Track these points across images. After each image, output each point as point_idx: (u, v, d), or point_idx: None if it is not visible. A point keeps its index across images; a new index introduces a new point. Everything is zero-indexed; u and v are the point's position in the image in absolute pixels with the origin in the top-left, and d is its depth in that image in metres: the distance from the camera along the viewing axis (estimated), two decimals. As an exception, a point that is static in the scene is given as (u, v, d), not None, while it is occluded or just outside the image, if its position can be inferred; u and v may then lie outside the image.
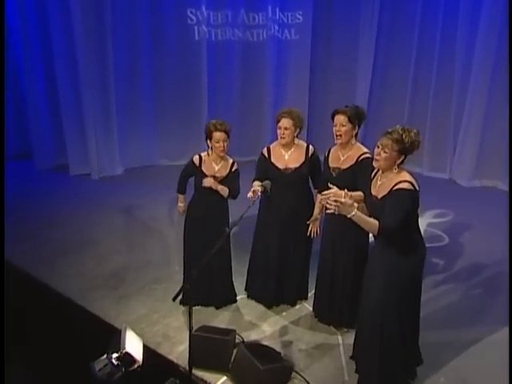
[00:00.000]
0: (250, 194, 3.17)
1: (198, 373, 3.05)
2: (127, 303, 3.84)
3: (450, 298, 3.93)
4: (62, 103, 6.59)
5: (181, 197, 3.70)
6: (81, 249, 4.73)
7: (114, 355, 3.03)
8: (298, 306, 3.77)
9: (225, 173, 3.52)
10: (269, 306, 3.74)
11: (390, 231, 2.50)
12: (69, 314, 3.63)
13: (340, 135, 3.20)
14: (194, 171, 3.53)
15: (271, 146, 3.58)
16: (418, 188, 2.61)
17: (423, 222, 5.43)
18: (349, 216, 2.46)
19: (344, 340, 3.36)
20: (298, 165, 3.47)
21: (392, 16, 6.85)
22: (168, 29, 6.67)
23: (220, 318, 3.64)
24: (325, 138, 7.36)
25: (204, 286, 3.68)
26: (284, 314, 3.72)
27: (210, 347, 3.07)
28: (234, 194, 3.62)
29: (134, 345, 3.09)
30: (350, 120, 3.17)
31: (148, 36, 6.61)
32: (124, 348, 2.98)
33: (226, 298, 3.78)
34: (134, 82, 6.76)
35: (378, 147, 2.62)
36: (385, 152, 2.60)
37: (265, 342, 3.34)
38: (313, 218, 3.39)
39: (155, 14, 6.56)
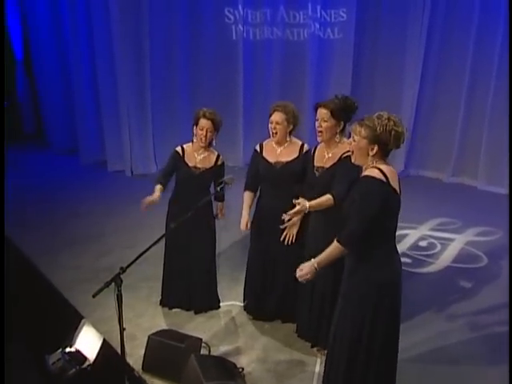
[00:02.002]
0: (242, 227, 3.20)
1: (151, 379, 2.82)
2: (109, 298, 3.72)
3: (464, 332, 3.33)
4: (102, 102, 6.81)
5: (157, 187, 3.27)
6: (88, 241, 4.75)
7: (67, 350, 2.93)
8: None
9: (208, 165, 3.30)
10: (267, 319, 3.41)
11: (347, 244, 2.21)
12: (48, 302, 3.59)
13: (321, 132, 2.84)
14: (178, 162, 3.32)
15: (264, 142, 3.32)
16: (384, 179, 2.15)
17: (462, 239, 4.80)
18: (306, 211, 2.38)
19: (322, 363, 2.93)
20: (289, 159, 3.16)
21: (446, 12, 6.21)
22: (205, 28, 6.61)
23: (193, 324, 3.39)
24: None
25: (183, 287, 3.47)
26: (266, 326, 3.37)
27: (164, 353, 2.84)
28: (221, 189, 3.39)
29: (88, 342, 2.96)
30: (332, 115, 2.81)
31: (185, 35, 6.60)
32: (75, 344, 2.87)
33: (206, 304, 3.53)
34: (170, 81, 6.79)
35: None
36: (354, 140, 2.22)
37: (233, 356, 3.03)
38: (290, 222, 3.02)
39: (193, 13, 6.53)
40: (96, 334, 2.99)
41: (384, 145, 2.17)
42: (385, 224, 2.21)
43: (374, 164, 2.19)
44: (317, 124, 2.89)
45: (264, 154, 3.24)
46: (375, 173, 2.16)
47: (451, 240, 4.81)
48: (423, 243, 4.79)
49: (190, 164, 3.28)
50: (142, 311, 3.54)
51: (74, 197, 5.93)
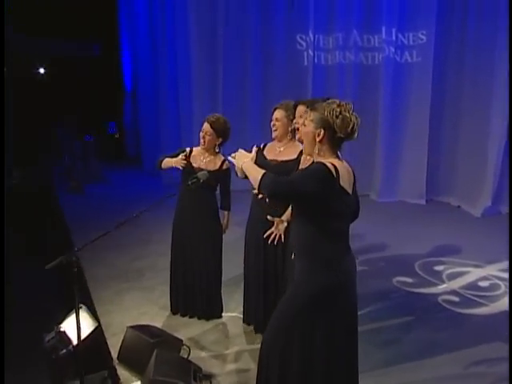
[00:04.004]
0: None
1: (122, 370, 2.81)
2: (124, 295, 3.87)
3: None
4: (181, 129, 7.36)
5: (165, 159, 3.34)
6: (132, 245, 5.02)
7: (59, 329, 3.08)
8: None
9: (212, 168, 3.29)
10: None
11: (264, 187, 1.92)
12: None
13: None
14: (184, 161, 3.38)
15: (270, 142, 3.24)
16: (334, 175, 1.92)
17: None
18: (241, 165, 2.09)
19: None
20: (285, 159, 3.01)
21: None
22: (277, 54, 6.80)
23: (188, 328, 3.28)
24: (450, 180, 6.31)
25: (187, 293, 3.43)
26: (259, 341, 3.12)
27: (136, 346, 2.81)
28: (226, 196, 3.38)
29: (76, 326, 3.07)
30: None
31: (258, 61, 6.86)
32: (61, 326, 3.00)
33: (209, 312, 3.41)
34: (241, 107, 7.05)
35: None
36: (303, 124, 2.04)
37: (209, 363, 2.87)
38: (278, 220, 2.80)
39: (265, 40, 6.78)
40: (90, 321, 3.10)
41: (331, 130, 1.95)
42: (331, 224, 1.98)
43: (323, 155, 1.98)
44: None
45: (264, 152, 3.14)
46: (328, 163, 1.94)
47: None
48: (484, 283, 4.05)
49: (194, 165, 3.31)
50: (146, 311, 3.57)
51: (139, 208, 6.37)
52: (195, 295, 3.40)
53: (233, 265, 3.53)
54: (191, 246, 3.36)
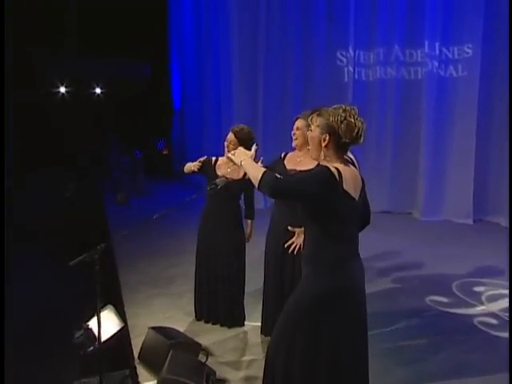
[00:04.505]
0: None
1: (141, 369, 2.88)
2: (153, 300, 3.97)
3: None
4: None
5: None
6: (170, 254, 5.17)
7: (87, 327, 3.22)
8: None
9: (236, 177, 3.35)
10: None
11: (264, 185, 1.92)
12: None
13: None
14: (207, 168, 3.46)
15: (290, 152, 3.26)
16: (337, 178, 1.91)
17: None
18: (240, 162, 2.10)
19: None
20: (305, 168, 3.00)
21: None
22: (317, 71, 6.83)
23: (209, 334, 3.30)
24: (500, 200, 5.98)
25: (210, 301, 3.47)
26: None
27: (155, 347, 2.87)
28: (249, 205, 3.41)
29: (104, 324, 3.20)
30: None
31: (298, 78, 6.92)
32: (89, 324, 3.14)
33: (230, 320, 3.43)
34: (282, 122, 7.08)
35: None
36: (310, 130, 2.06)
37: (224, 369, 2.87)
38: (298, 230, 2.78)
39: (306, 56, 6.85)
40: (115, 322, 3.22)
41: (336, 135, 1.95)
42: (334, 227, 1.97)
43: (329, 160, 1.99)
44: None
45: (285, 161, 3.16)
46: (332, 167, 1.94)
47: None
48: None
49: (218, 173, 3.38)
50: (172, 315, 3.64)
51: (178, 219, 6.54)
52: (218, 303, 3.44)
53: (261, 275, 3.55)
54: (214, 254, 3.42)
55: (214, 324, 3.47)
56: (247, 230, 3.48)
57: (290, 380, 2.00)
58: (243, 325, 3.45)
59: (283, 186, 1.93)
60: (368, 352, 2.11)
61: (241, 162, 2.08)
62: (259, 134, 7.06)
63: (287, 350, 1.99)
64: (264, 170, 1.98)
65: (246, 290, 3.50)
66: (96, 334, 3.04)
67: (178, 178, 9.84)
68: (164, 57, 9.83)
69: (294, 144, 3.11)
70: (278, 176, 1.97)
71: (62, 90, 9.90)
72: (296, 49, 6.85)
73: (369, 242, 5.71)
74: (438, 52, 6.18)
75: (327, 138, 1.97)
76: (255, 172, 1.98)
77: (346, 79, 6.71)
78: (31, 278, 4.47)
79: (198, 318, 3.55)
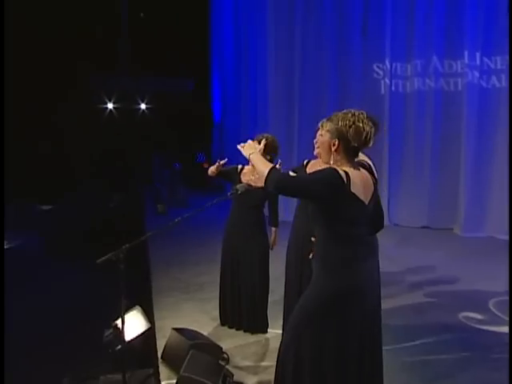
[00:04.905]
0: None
1: (164, 368, 2.96)
2: (182, 304, 4.07)
3: None
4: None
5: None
6: (202, 263, 5.27)
7: (116, 325, 3.35)
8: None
9: (261, 185, 3.39)
10: None
11: (271, 180, 1.96)
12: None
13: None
14: (233, 175, 3.54)
15: (313, 159, 3.28)
16: (345, 181, 1.92)
17: None
18: (248, 155, 2.12)
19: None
20: None
21: None
22: (353, 84, 6.81)
23: (232, 339, 3.34)
24: None
25: (234, 306, 3.52)
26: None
27: (177, 347, 2.94)
28: (273, 212, 3.45)
29: (132, 324, 3.32)
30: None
31: (334, 91, 6.93)
32: (117, 323, 3.26)
33: (253, 326, 3.45)
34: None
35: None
36: (321, 134, 2.10)
37: (243, 373, 2.89)
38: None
39: (342, 69, 6.86)
40: (143, 322, 3.33)
41: (345, 140, 1.97)
42: (341, 228, 1.98)
43: (340, 164, 2.01)
44: None
45: (307, 168, 3.18)
46: (340, 170, 1.97)
47: None
48: None
49: (243, 181, 3.44)
50: (198, 319, 3.71)
51: (211, 230, 6.67)
52: (241, 309, 3.47)
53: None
54: (238, 262, 3.48)
55: (237, 329, 3.51)
56: (271, 238, 3.51)
57: (299, 379, 2.00)
58: (266, 332, 3.46)
59: (289, 183, 1.97)
60: (380, 355, 2.09)
61: (249, 155, 2.11)
62: (295, 147, 7.13)
63: (297, 348, 2.00)
64: (271, 165, 2.01)
65: (272, 298, 3.52)
66: (123, 333, 3.17)
67: (218, 190, 10.04)
68: (205, 72, 10.15)
69: (315, 152, 3.13)
70: (292, 173, 2.00)
71: (110, 105, 10.44)
72: (332, 62, 6.88)
73: (404, 256, 5.59)
74: (478, 62, 6.01)
75: (337, 142, 2.00)
76: (262, 166, 2.01)
77: (382, 91, 6.65)
78: (74, 281, 4.71)
79: (223, 323, 3.60)
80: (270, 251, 3.54)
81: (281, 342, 2.14)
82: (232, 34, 8.88)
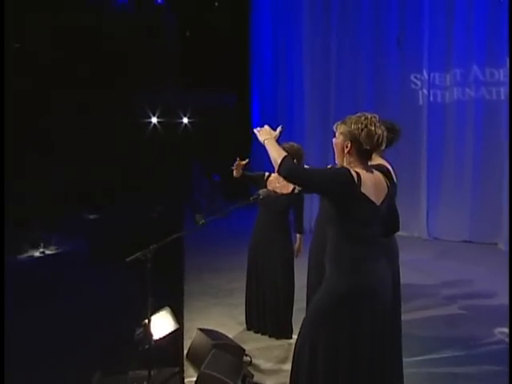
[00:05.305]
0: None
1: (188, 367, 3.06)
2: (211, 308, 4.17)
3: None
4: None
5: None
6: (235, 270, 5.33)
7: (145, 324, 3.49)
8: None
9: (286, 191, 3.47)
10: None
11: (284, 168, 1.99)
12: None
13: None
14: (260, 181, 3.62)
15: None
16: (356, 181, 1.96)
17: None
18: (263, 140, 2.16)
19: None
20: None
21: None
22: (390, 95, 6.75)
23: (256, 342, 3.40)
24: None
25: (259, 311, 3.57)
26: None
27: (200, 347, 3.03)
28: (298, 219, 3.50)
29: (161, 324, 3.45)
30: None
31: (370, 103, 6.88)
32: (146, 321, 3.40)
33: (278, 331, 3.48)
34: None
35: None
36: (335, 136, 2.15)
37: (265, 375, 2.93)
38: None
39: (378, 80, 6.81)
40: (171, 323, 3.45)
41: (357, 142, 2.02)
42: (351, 228, 2.01)
43: (353, 166, 2.05)
44: None
45: None
46: (352, 170, 2.01)
47: None
48: None
49: (269, 187, 3.52)
50: (225, 323, 3.79)
51: (245, 239, 6.77)
52: (266, 314, 3.53)
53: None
54: (262, 267, 3.55)
55: (263, 334, 3.56)
56: (296, 245, 3.55)
57: (314, 377, 2.03)
58: (291, 337, 3.48)
59: (300, 174, 2.02)
60: (397, 358, 2.08)
61: (264, 141, 2.14)
62: (330, 159, 7.09)
63: (311, 347, 2.03)
64: (286, 154, 2.04)
65: (298, 305, 3.51)
66: (152, 331, 3.31)
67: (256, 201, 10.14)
68: (246, 86, 10.39)
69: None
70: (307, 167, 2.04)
71: (154, 120, 10.88)
72: (368, 74, 6.87)
73: (442, 270, 5.44)
74: (522, 70, 5.81)
75: (349, 144, 2.04)
76: (276, 154, 2.05)
77: (420, 102, 6.55)
78: (114, 282, 4.95)
79: (249, 327, 3.66)
80: (297, 259, 3.58)
81: (298, 335, 2.17)
82: (271, 48, 9.06)
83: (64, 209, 8.05)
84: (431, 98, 6.45)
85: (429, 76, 6.42)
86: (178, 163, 10.31)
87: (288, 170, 1.98)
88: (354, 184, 1.95)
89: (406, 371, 2.77)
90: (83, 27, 8.41)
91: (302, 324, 2.14)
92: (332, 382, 2.00)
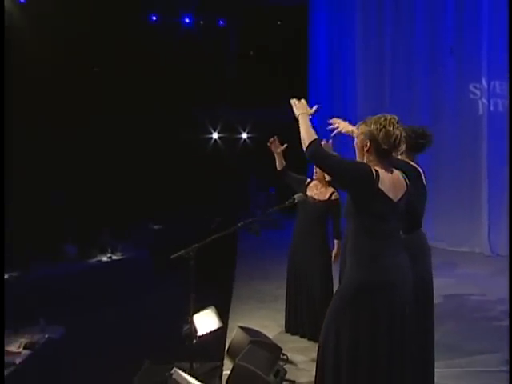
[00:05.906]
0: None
1: (228, 361, 3.21)
2: (255, 311, 4.34)
3: None
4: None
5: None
6: (284, 276, 5.50)
7: (192, 321, 3.71)
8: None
9: (322, 198, 3.58)
10: None
11: (310, 151, 2.09)
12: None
13: None
14: (301, 185, 3.73)
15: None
16: (374, 177, 2.05)
17: None
18: (298, 114, 2.24)
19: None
20: None
21: None
22: (448, 105, 6.58)
23: (293, 343, 3.50)
24: None
25: (298, 313, 3.67)
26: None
27: (240, 343, 3.17)
28: (336, 225, 3.59)
29: (205, 321, 3.66)
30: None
31: (427, 114, 6.73)
32: (193, 318, 3.62)
33: (314, 334, 3.52)
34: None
35: None
36: (356, 136, 2.26)
37: (298, 371, 3.02)
38: None
39: (435, 91, 6.67)
40: (215, 321, 3.65)
41: (376, 142, 2.10)
42: (370, 222, 2.09)
43: (372, 165, 2.13)
44: None
45: None
46: (372, 167, 2.11)
47: None
48: None
49: (308, 193, 3.64)
50: (267, 325, 3.90)
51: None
52: (303, 319, 3.62)
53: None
54: (301, 273, 3.64)
55: (301, 337, 3.64)
56: (334, 250, 3.62)
57: (339, 369, 2.09)
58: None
59: (324, 160, 2.12)
60: (425, 359, 2.11)
61: (298, 115, 2.22)
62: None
63: (335, 340, 2.10)
64: (315, 137, 2.12)
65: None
66: (197, 328, 3.52)
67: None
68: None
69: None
70: (324, 151, 2.13)
71: (215, 135, 11.37)
72: (423, 84, 6.76)
73: (502, 286, 5.15)
74: None
75: (368, 143, 2.13)
76: (306, 134, 2.13)
77: (480, 112, 6.33)
78: (170, 286, 5.26)
79: (287, 330, 3.77)
80: (335, 265, 3.64)
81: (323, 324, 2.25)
82: (326, 65, 9.20)
83: (131, 219, 8.66)
84: (491, 108, 6.22)
85: (488, 85, 6.21)
86: (236, 177, 10.66)
87: (313, 153, 2.09)
88: (371, 179, 2.04)
89: (448, 381, 2.77)
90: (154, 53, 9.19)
91: (326, 313, 2.24)
92: (353, 372, 2.06)
